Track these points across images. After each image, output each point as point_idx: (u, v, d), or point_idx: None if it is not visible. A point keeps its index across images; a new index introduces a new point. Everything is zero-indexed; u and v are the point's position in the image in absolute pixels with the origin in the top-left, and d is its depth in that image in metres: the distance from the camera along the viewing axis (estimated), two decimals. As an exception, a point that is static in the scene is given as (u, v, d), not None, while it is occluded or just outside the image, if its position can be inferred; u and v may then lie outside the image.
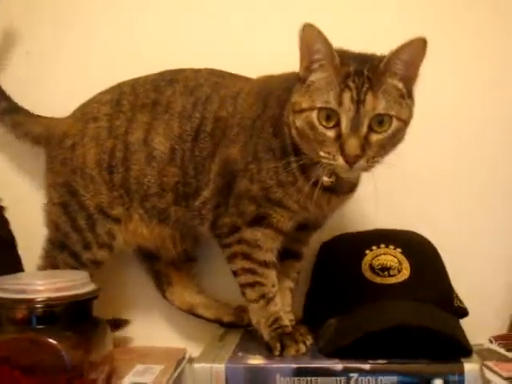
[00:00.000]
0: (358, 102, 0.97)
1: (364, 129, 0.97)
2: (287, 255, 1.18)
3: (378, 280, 1.12)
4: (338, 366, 1.00)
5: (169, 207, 1.15)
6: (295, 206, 1.07)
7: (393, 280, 1.12)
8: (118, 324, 1.30)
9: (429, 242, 1.21)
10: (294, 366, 1.01)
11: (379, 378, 0.99)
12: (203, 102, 1.14)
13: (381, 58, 1.00)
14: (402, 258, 1.15)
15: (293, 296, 1.21)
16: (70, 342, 0.99)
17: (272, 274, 1.11)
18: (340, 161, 0.97)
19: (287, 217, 1.09)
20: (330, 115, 0.98)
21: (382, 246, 1.16)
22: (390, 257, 1.15)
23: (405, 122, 1.01)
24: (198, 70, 1.19)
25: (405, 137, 1.03)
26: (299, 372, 1.00)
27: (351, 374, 0.99)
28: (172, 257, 1.24)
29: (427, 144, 1.30)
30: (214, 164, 1.11)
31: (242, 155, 1.09)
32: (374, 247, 1.16)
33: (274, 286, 1.11)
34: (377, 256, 1.15)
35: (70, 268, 1.18)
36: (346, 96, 0.97)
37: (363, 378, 0.99)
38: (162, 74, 1.20)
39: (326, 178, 1.03)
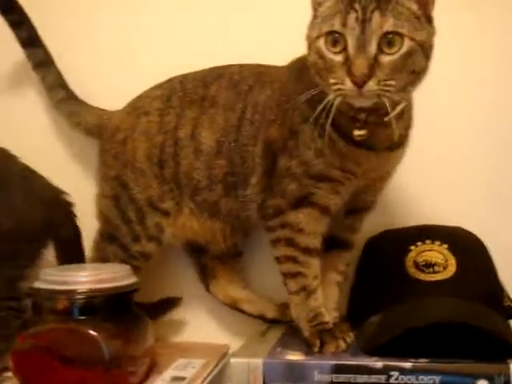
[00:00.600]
0: (364, 22, 0.93)
1: (372, 48, 0.93)
2: (335, 245, 1.16)
3: (422, 276, 1.09)
4: (378, 363, 0.97)
5: (219, 200, 1.15)
6: (337, 174, 1.05)
7: (438, 277, 1.09)
8: (171, 303, 1.31)
9: (477, 239, 1.18)
10: (333, 362, 0.99)
11: (420, 377, 0.96)
12: (245, 92, 1.14)
13: None
14: (449, 254, 1.11)
15: (341, 291, 1.18)
16: (109, 333, 1.00)
17: (315, 264, 1.08)
18: (348, 83, 0.93)
19: (330, 190, 1.06)
20: (337, 39, 0.94)
21: (428, 241, 1.13)
22: (435, 253, 1.11)
23: (421, 45, 0.95)
24: (244, 65, 1.19)
25: (426, 66, 0.97)
26: (338, 369, 0.98)
27: (391, 373, 0.96)
28: (221, 251, 1.24)
29: (475, 138, 1.27)
30: (257, 148, 1.11)
31: (280, 133, 1.08)
32: (419, 243, 1.13)
33: (315, 277, 1.08)
34: (422, 252, 1.12)
35: (118, 260, 1.19)
36: (351, 17, 0.93)
37: (404, 376, 0.96)
38: (210, 71, 1.20)
39: (357, 132, 1.00)
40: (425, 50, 0.96)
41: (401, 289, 1.09)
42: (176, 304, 1.31)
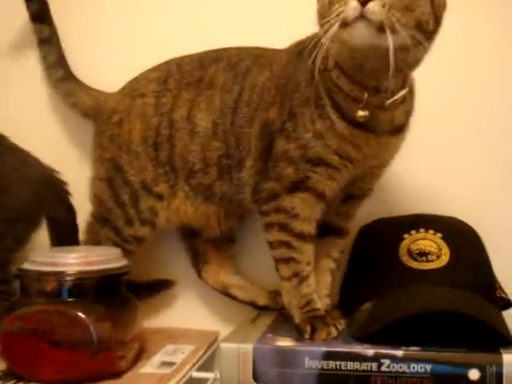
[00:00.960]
0: None
1: None
2: (329, 231, 1.15)
3: (415, 265, 1.09)
4: (370, 351, 0.96)
5: (214, 183, 1.14)
6: (335, 159, 1.03)
7: (431, 265, 1.08)
8: (162, 285, 1.30)
9: (472, 230, 1.17)
10: (324, 349, 0.98)
11: (412, 365, 0.95)
12: (243, 73, 1.13)
13: None
14: (442, 243, 1.11)
15: (333, 278, 1.17)
16: (98, 315, 0.99)
17: (308, 250, 1.07)
18: (351, 3, 0.90)
19: (326, 176, 1.04)
20: None
21: (422, 230, 1.13)
22: (429, 242, 1.11)
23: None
24: (242, 47, 1.18)
25: (435, 30, 0.95)
26: (328, 356, 0.97)
27: (382, 360, 0.95)
28: (215, 235, 1.23)
29: (473, 127, 1.26)
30: (253, 129, 1.10)
31: (279, 115, 1.07)
32: (413, 231, 1.13)
33: (308, 264, 1.07)
34: (415, 240, 1.11)
35: (111, 243, 1.18)
36: None
37: (395, 364, 0.95)
38: (207, 53, 1.19)
39: (360, 113, 0.99)
40: (434, 7, 0.94)
41: (393, 277, 1.09)
42: (168, 286, 1.30)
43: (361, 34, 0.92)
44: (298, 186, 1.05)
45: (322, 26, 0.96)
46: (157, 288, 1.30)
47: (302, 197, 1.05)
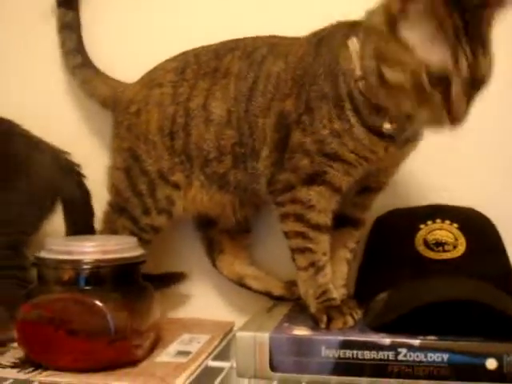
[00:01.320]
0: (472, 67, 0.91)
1: (474, 93, 0.93)
2: (345, 222, 1.15)
3: (432, 255, 1.09)
4: (386, 340, 0.96)
5: (228, 171, 1.14)
6: (351, 157, 1.03)
7: (447, 255, 1.08)
8: (174, 278, 1.31)
9: (488, 220, 1.17)
10: (341, 338, 0.97)
11: (429, 354, 0.94)
12: (258, 62, 1.13)
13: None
14: (459, 233, 1.11)
15: (349, 268, 1.17)
16: (115, 304, 0.99)
17: (324, 240, 1.07)
18: (446, 121, 0.93)
19: (343, 171, 1.04)
20: (441, 77, 0.91)
21: (438, 220, 1.12)
22: (445, 232, 1.11)
23: None
24: (259, 37, 1.18)
25: None
26: (345, 345, 0.97)
27: (399, 349, 0.95)
28: (231, 224, 1.23)
29: (490, 119, 1.24)
30: (269, 119, 1.09)
31: (295, 107, 1.06)
32: (430, 222, 1.12)
33: (325, 254, 1.07)
34: (432, 231, 1.11)
35: (128, 233, 1.19)
36: (462, 58, 0.91)
37: (412, 353, 0.95)
38: (225, 43, 1.19)
39: (387, 125, 0.99)
40: None
41: (410, 267, 1.09)
42: (180, 279, 1.30)
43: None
44: (314, 179, 1.05)
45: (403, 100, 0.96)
46: (167, 281, 1.30)
47: (318, 190, 1.05)
